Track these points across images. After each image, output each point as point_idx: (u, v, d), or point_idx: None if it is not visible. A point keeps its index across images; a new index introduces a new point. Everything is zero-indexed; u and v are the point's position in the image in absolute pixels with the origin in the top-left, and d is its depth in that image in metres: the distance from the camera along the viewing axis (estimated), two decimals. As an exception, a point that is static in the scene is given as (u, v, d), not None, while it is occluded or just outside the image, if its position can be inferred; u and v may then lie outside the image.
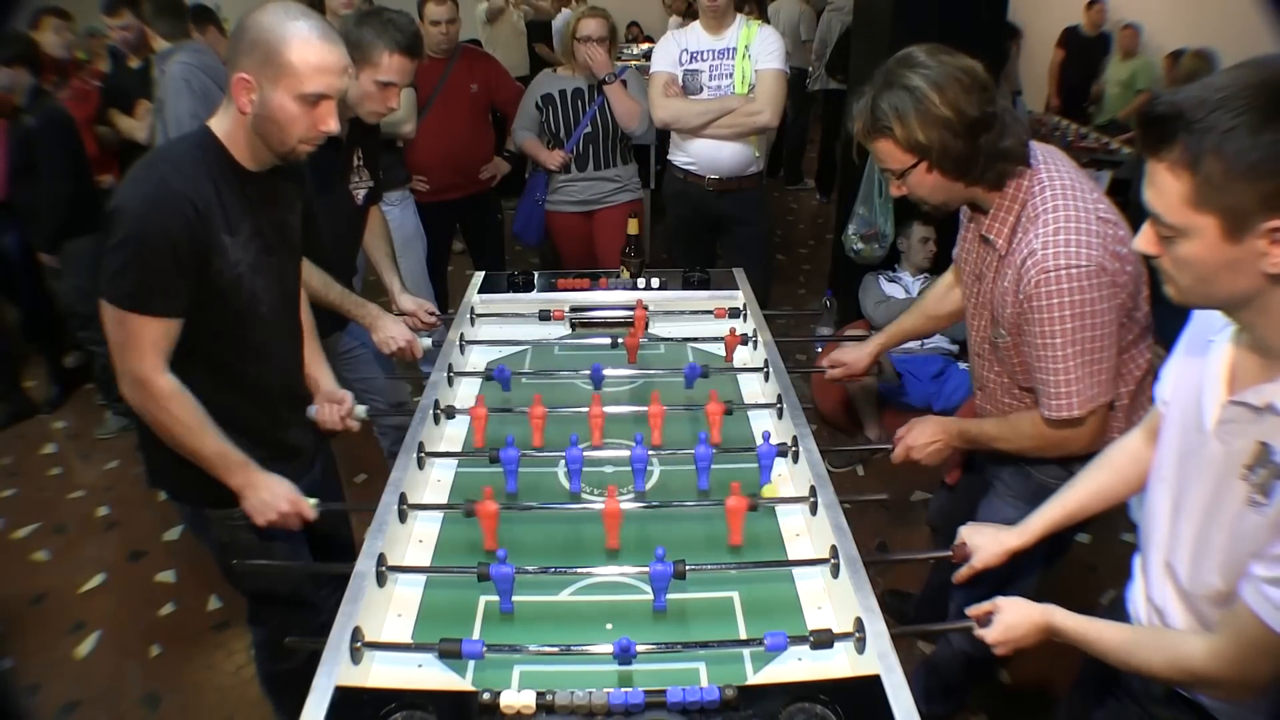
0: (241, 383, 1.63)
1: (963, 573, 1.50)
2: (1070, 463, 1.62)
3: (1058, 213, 1.47)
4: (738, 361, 2.13)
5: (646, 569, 1.33)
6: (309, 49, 1.43)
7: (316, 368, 1.89)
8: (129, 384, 1.49)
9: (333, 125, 1.50)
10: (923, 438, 1.77)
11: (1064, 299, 1.45)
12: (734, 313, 2.38)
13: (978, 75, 1.47)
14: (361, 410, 1.89)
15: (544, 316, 2.32)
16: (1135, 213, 1.14)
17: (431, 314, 2.41)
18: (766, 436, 1.64)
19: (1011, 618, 1.27)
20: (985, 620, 1.30)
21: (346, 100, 2.06)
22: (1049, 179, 1.52)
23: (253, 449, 1.60)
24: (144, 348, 1.45)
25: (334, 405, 1.85)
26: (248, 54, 1.44)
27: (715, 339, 2.19)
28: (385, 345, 2.22)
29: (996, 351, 1.69)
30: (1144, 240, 1.04)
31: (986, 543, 1.47)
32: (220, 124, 1.52)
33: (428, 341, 2.30)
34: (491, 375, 2.01)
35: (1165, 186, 0.96)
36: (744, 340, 2.15)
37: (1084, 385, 1.50)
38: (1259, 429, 1.02)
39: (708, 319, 2.37)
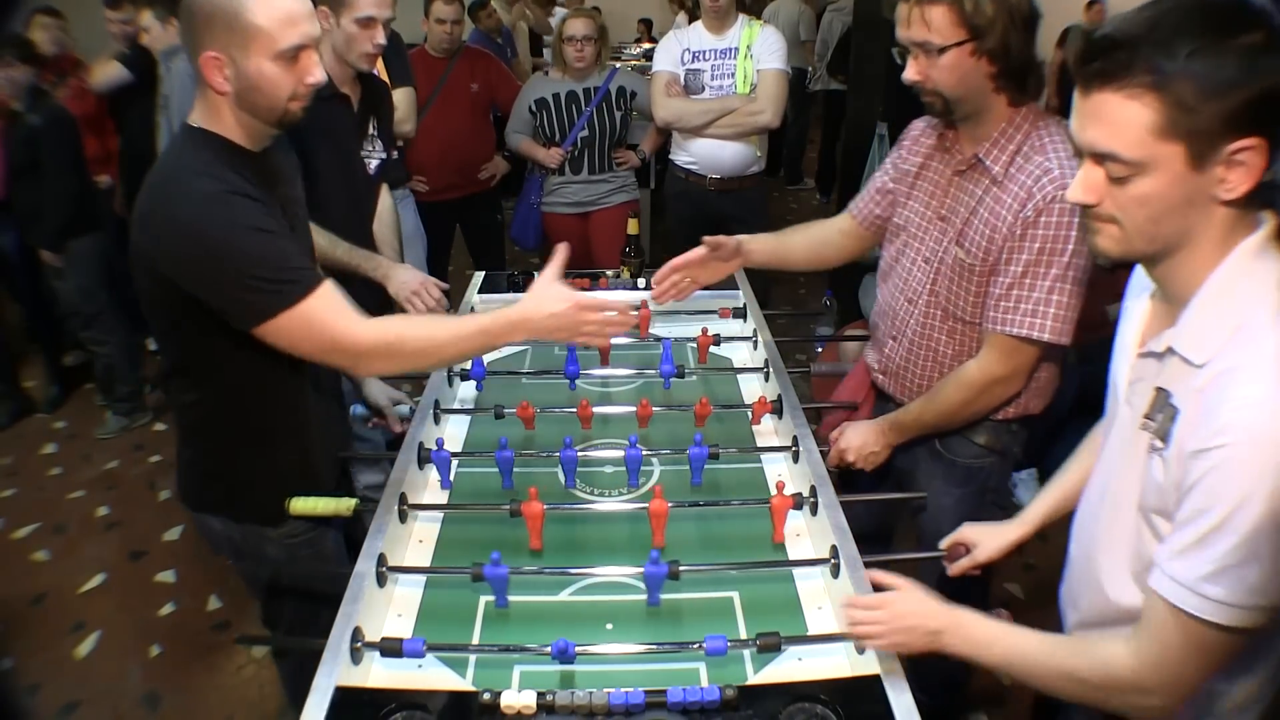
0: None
1: (962, 565, 1.48)
2: (979, 431, 1.70)
3: (1069, 145, 1.46)
4: (737, 362, 2.13)
5: (641, 569, 1.33)
6: (270, 3, 1.33)
7: None
8: (343, 362, 1.47)
9: (319, 74, 1.41)
10: (858, 442, 1.74)
11: (1076, 218, 1.46)
12: (737, 313, 2.36)
13: None
14: (405, 409, 1.93)
15: None
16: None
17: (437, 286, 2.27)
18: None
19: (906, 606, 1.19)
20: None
21: (337, 53, 2.05)
22: (1054, 119, 1.54)
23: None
24: (327, 323, 1.37)
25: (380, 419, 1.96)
26: (207, 30, 1.33)
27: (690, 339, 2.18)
28: (400, 293, 2.13)
29: (941, 279, 1.65)
30: (1085, 188, 0.95)
31: (986, 537, 1.45)
32: (204, 117, 1.42)
33: (439, 296, 2.19)
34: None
35: (1125, 118, 0.88)
36: (715, 341, 2.13)
37: (1059, 310, 1.51)
38: (1160, 376, 0.99)
39: (711, 318, 2.36)
